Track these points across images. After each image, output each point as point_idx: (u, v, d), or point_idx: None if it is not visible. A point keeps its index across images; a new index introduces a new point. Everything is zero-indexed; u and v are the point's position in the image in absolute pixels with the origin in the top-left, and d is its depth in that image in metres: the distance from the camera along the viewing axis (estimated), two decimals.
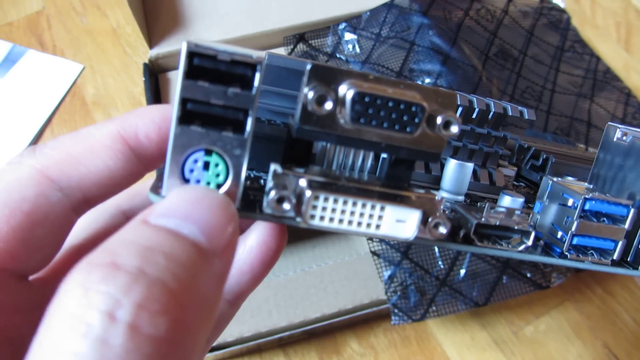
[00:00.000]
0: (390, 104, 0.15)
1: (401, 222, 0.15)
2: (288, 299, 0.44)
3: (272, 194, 0.14)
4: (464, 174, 0.20)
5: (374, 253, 0.46)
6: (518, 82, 0.60)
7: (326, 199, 0.14)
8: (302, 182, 0.15)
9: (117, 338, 0.10)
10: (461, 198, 0.20)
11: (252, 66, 0.14)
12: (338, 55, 0.59)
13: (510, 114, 0.22)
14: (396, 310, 0.44)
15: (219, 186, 0.15)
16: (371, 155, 0.17)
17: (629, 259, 0.19)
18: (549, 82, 0.61)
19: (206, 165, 0.15)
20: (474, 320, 0.48)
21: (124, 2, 0.52)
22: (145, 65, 0.54)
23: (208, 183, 0.15)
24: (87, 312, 0.10)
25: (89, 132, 0.16)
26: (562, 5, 0.68)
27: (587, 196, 0.18)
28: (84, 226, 0.19)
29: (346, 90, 0.15)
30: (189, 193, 0.13)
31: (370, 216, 0.15)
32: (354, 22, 0.60)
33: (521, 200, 0.20)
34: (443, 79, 0.54)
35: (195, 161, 0.14)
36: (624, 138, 0.20)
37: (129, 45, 0.63)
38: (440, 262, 0.46)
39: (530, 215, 0.19)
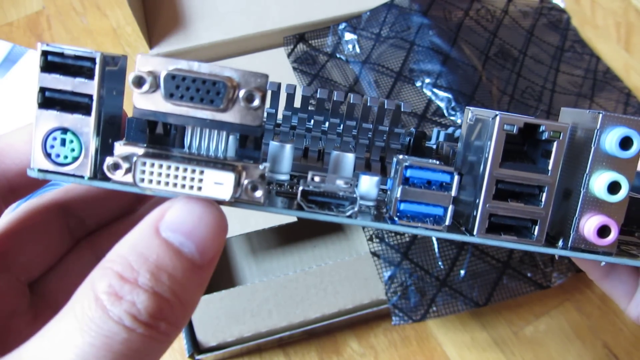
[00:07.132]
0: (196, 81, 0.17)
1: (219, 185, 0.17)
2: (288, 299, 0.44)
3: (108, 160, 0.17)
4: (282, 153, 0.22)
5: (374, 254, 0.46)
6: (518, 82, 0.60)
7: (152, 164, 0.17)
8: (139, 152, 0.17)
9: (139, 329, 0.15)
10: (284, 177, 0.22)
11: (91, 60, 0.17)
12: (338, 55, 0.59)
13: (404, 109, 0.24)
14: (396, 311, 0.44)
15: (75, 159, 0.18)
16: (223, 138, 0.19)
17: (469, 227, 0.20)
18: (549, 82, 0.61)
19: (63, 142, 0.18)
20: (474, 320, 0.48)
21: (124, 2, 0.52)
22: None
23: (65, 157, 0.18)
24: (118, 310, 0.15)
25: (11, 132, 0.20)
26: (562, 5, 0.68)
27: (406, 164, 0.19)
28: (18, 213, 0.22)
29: (161, 73, 0.17)
30: (195, 208, 0.17)
31: (192, 179, 0.17)
32: (354, 22, 0.60)
33: (377, 178, 0.21)
34: (443, 79, 0.54)
35: (54, 139, 0.18)
36: (472, 118, 0.21)
37: (129, 45, 0.63)
38: (440, 263, 0.46)
39: (353, 182, 0.20)
